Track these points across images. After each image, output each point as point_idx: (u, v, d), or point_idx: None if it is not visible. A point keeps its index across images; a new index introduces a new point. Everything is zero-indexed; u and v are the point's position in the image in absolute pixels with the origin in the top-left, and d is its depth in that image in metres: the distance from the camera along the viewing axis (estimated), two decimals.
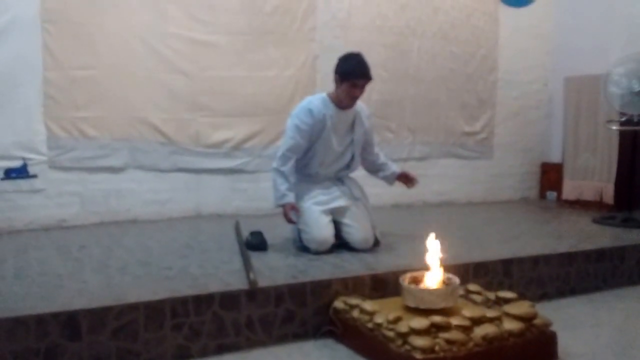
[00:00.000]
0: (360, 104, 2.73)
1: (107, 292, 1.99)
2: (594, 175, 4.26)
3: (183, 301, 1.94)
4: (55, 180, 3.30)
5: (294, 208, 2.56)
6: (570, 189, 4.42)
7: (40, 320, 1.76)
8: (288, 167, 2.58)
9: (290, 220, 2.57)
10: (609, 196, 4.15)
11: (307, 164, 2.68)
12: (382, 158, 2.87)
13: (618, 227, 3.53)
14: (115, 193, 3.46)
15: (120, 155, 3.44)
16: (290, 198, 2.57)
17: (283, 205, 2.57)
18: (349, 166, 2.75)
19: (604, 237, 3.23)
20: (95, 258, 2.52)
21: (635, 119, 3.67)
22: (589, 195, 4.28)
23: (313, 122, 2.56)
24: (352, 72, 2.54)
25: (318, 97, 2.66)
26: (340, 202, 2.68)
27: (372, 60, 4.12)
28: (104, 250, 2.69)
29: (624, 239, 3.16)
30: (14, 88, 3.13)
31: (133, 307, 1.86)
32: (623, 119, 3.75)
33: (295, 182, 2.63)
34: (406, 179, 2.83)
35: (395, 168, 2.87)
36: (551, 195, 4.79)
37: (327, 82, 3.99)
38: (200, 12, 3.57)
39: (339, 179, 2.77)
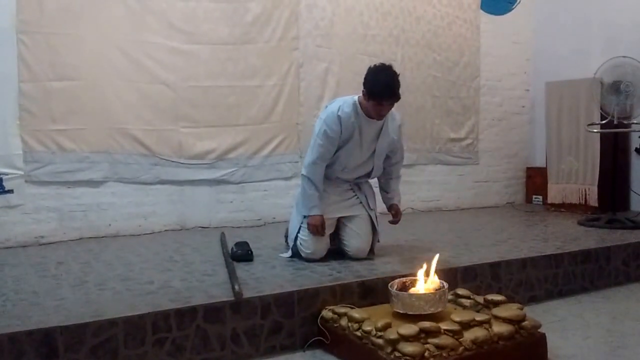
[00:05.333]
0: (393, 112, 2.61)
1: (85, 308, 1.91)
2: (578, 178, 4.30)
3: (165, 315, 1.87)
4: (32, 196, 3.20)
5: (323, 223, 2.55)
6: (555, 193, 4.45)
7: (14, 339, 1.68)
8: (319, 175, 2.54)
9: (316, 232, 2.55)
10: (593, 198, 4.19)
11: (328, 167, 2.60)
12: (395, 182, 2.78)
13: (603, 228, 3.55)
14: (95, 207, 3.38)
15: (99, 168, 3.36)
16: (321, 210, 2.55)
17: (312, 216, 2.55)
18: (369, 175, 2.71)
19: (590, 238, 3.25)
20: (73, 274, 2.44)
21: (615, 122, 3.72)
22: (573, 198, 4.32)
23: (341, 130, 2.49)
24: (379, 93, 2.40)
25: (349, 103, 2.50)
26: (351, 212, 2.65)
27: (356, 69, 4.23)
28: (82, 266, 2.61)
29: (609, 239, 3.18)
30: None
31: (112, 323, 1.79)
32: (603, 121, 3.81)
33: None
34: (395, 215, 2.79)
35: (397, 200, 2.80)
36: (537, 199, 4.83)
37: (310, 91, 4.03)
38: (180, 21, 3.54)
39: (357, 184, 2.73)
